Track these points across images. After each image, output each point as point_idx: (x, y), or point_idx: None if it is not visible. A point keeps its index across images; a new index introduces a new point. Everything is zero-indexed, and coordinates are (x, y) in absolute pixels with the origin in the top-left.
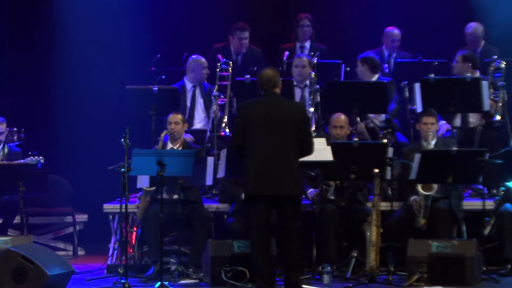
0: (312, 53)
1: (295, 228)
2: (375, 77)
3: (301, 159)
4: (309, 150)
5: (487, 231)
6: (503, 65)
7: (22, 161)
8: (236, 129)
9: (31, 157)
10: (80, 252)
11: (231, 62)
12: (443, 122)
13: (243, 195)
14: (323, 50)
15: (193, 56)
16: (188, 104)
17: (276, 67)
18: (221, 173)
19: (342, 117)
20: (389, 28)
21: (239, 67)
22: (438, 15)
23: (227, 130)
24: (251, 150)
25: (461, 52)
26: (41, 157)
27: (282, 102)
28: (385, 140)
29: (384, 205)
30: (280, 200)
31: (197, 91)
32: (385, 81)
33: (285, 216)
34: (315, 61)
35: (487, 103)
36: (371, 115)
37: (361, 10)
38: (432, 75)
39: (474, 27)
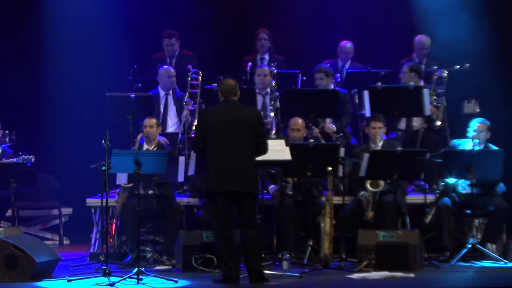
0: (272, 64)
1: (253, 220)
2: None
3: (263, 159)
4: (263, 150)
5: (428, 219)
6: (445, 74)
7: (14, 159)
8: (197, 132)
9: (23, 156)
10: (66, 242)
11: (200, 72)
12: None
13: None
14: (281, 61)
15: (164, 67)
16: (162, 109)
17: (240, 76)
18: (191, 171)
19: (300, 121)
20: (343, 42)
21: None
22: (385, 30)
23: None
24: (210, 151)
25: (407, 64)
26: (32, 156)
27: (239, 108)
28: (338, 142)
29: (337, 199)
30: (238, 196)
31: (170, 98)
32: (337, 89)
33: (243, 210)
34: (275, 71)
35: (428, 109)
36: (328, 121)
37: (316, 24)
38: (379, 84)
39: (422, 38)
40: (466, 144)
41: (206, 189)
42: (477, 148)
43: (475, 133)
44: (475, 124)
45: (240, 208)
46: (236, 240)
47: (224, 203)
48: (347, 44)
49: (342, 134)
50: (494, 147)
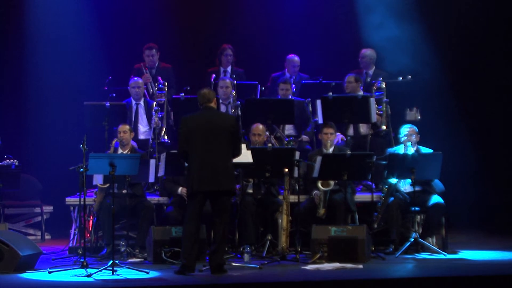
0: (234, 76)
1: (227, 215)
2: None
3: None
4: (238, 152)
5: (376, 225)
6: (383, 85)
7: (0, 162)
8: (180, 138)
9: (7, 160)
10: (47, 237)
11: (166, 83)
12: (338, 133)
13: (179, 190)
14: (241, 73)
15: (134, 79)
16: (133, 118)
17: (204, 87)
18: (161, 172)
19: (260, 126)
20: (290, 56)
21: (153, 79)
22: (333, 45)
23: (166, 137)
24: (192, 154)
25: (351, 74)
26: (15, 160)
27: (216, 114)
28: (290, 146)
29: (292, 198)
30: (216, 194)
31: (140, 107)
32: (293, 98)
33: (219, 206)
34: (235, 82)
35: (374, 116)
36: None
37: (271, 38)
38: (331, 94)
39: (367, 51)
40: (400, 150)
41: (190, 190)
42: (409, 150)
43: (406, 137)
44: (405, 130)
45: (216, 205)
46: (201, 235)
47: (202, 201)
48: (295, 58)
49: (292, 138)
50: (425, 149)
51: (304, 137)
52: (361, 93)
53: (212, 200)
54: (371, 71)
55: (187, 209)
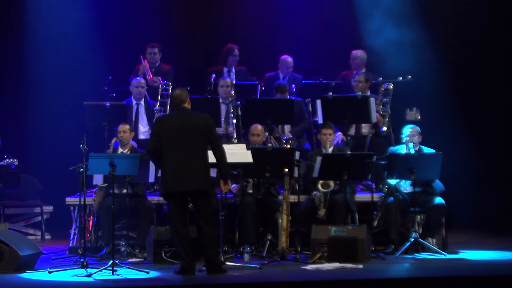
0: (235, 75)
1: (208, 215)
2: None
3: (229, 161)
4: (220, 150)
5: (375, 223)
6: (391, 87)
7: (0, 162)
8: (152, 138)
9: (7, 160)
10: (47, 237)
11: (170, 83)
12: (339, 133)
13: None
14: (245, 71)
15: (136, 78)
16: (133, 118)
17: (204, 86)
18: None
19: (259, 127)
20: (284, 56)
21: (152, 79)
22: (330, 46)
23: None
24: (166, 155)
25: (361, 73)
26: (15, 160)
27: (190, 114)
28: (288, 146)
29: (292, 198)
30: (193, 194)
31: (141, 107)
32: (293, 98)
33: (199, 206)
34: (234, 82)
35: (374, 116)
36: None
37: (274, 41)
38: (330, 94)
39: (358, 53)
40: (402, 149)
41: (165, 190)
42: (412, 151)
43: (408, 138)
44: (407, 130)
45: (196, 206)
46: (192, 235)
47: (180, 202)
48: (288, 59)
49: (291, 137)
50: (428, 149)
51: (287, 132)
52: (368, 93)
53: (191, 201)
54: (362, 72)
55: (168, 212)
